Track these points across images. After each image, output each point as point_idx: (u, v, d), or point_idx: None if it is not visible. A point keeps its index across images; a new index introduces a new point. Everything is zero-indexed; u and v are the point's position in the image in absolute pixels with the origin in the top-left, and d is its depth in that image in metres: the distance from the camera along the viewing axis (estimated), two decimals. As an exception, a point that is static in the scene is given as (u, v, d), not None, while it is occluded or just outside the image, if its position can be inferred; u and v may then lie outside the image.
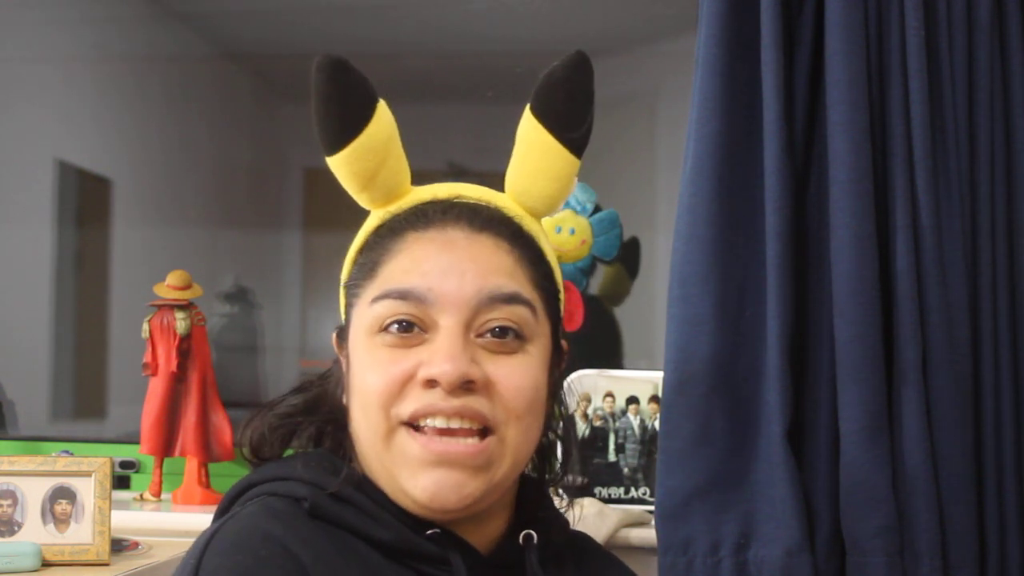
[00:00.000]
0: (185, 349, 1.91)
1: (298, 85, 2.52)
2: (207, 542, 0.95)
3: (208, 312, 2.04)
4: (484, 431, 0.99)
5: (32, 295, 2.39)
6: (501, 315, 0.99)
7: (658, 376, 1.71)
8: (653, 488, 1.67)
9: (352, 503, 1.00)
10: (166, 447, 1.92)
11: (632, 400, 1.78)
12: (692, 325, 1.52)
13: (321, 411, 1.08)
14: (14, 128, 2.39)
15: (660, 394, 1.69)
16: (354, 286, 1.05)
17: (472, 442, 0.97)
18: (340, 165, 1.03)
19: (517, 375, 1.00)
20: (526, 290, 1.02)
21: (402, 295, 0.99)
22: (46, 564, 1.45)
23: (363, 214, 1.10)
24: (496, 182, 1.11)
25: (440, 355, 0.97)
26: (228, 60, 2.49)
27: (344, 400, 1.05)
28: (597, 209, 1.99)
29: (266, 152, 2.47)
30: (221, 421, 1.93)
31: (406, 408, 0.98)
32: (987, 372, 1.53)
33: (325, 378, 1.11)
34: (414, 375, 0.98)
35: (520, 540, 1.05)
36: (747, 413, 1.53)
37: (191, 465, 1.91)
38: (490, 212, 1.05)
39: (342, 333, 1.07)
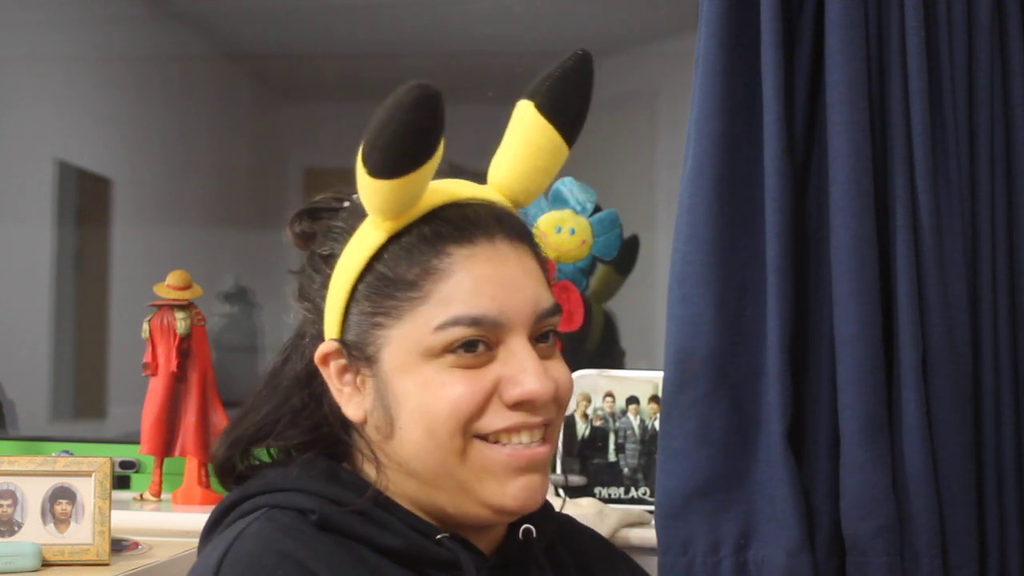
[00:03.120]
0: (185, 349, 1.91)
1: (298, 85, 2.53)
2: (218, 564, 0.93)
3: (208, 312, 2.03)
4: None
5: (32, 295, 2.39)
6: (547, 325, 1.02)
7: (658, 376, 1.70)
8: (653, 488, 1.67)
9: (360, 512, 0.99)
10: (166, 447, 1.91)
11: (632, 400, 1.78)
12: (692, 325, 1.53)
13: (303, 427, 1.05)
14: (14, 128, 2.39)
15: (660, 394, 1.69)
16: (383, 302, 1.00)
17: (545, 446, 1.00)
18: (391, 189, 0.97)
19: (565, 374, 1.03)
20: (552, 295, 1.04)
21: (475, 321, 0.98)
22: (46, 564, 1.45)
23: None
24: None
25: (530, 375, 0.98)
26: (228, 60, 2.49)
27: (361, 418, 1.01)
28: (597, 209, 1.99)
29: (266, 152, 2.46)
30: (221, 421, 1.92)
31: (490, 425, 0.98)
32: (987, 372, 1.53)
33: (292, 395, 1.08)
34: (493, 392, 0.98)
35: (520, 535, 1.05)
36: (747, 413, 1.53)
37: (191, 465, 1.91)
38: (510, 216, 1.05)
39: (356, 351, 1.01)
